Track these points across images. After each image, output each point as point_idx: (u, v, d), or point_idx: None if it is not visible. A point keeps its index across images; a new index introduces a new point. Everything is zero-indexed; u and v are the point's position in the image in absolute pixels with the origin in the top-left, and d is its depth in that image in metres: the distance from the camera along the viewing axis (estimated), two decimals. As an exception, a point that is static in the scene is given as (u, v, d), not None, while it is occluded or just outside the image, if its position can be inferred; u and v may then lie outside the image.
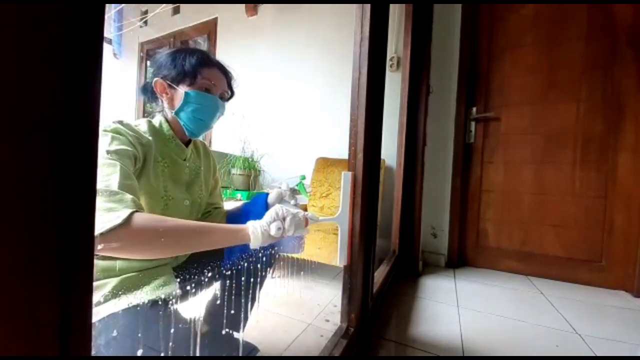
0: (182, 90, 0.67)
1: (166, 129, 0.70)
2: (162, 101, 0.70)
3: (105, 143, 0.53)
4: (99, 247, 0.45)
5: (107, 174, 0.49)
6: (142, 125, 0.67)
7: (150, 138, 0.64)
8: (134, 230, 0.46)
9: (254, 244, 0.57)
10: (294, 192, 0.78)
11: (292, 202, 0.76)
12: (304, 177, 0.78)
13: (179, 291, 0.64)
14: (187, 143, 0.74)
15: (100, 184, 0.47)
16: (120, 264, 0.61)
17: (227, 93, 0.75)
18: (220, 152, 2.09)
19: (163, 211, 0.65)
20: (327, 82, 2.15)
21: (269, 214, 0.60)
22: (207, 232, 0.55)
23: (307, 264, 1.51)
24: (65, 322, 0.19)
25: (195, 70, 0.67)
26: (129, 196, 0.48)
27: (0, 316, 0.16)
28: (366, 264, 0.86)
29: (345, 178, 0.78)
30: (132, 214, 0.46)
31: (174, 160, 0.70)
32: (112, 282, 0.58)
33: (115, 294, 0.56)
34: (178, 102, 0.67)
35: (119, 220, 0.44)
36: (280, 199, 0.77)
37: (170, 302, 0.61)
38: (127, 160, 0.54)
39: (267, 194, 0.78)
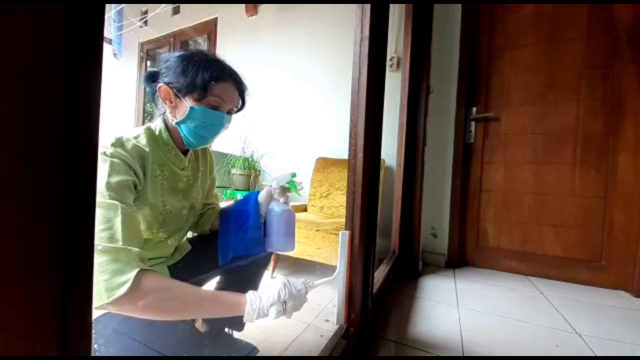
0: (187, 103, 0.63)
1: (166, 138, 0.67)
2: (165, 107, 0.66)
3: (104, 172, 0.51)
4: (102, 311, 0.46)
5: (108, 218, 0.48)
6: (141, 138, 0.63)
7: (148, 150, 0.62)
8: (141, 295, 0.46)
9: (247, 319, 0.56)
10: (285, 190, 0.76)
11: (282, 199, 0.75)
12: (294, 175, 0.76)
13: None
14: (186, 150, 0.72)
15: (101, 232, 0.47)
16: None
17: (237, 107, 0.71)
18: (220, 152, 2.09)
19: (160, 225, 0.64)
20: (327, 82, 2.15)
21: (271, 293, 0.57)
22: (208, 306, 0.55)
23: (307, 264, 1.51)
24: (65, 322, 0.19)
25: (207, 86, 0.62)
26: (134, 251, 0.48)
27: (0, 316, 0.16)
28: (366, 264, 0.85)
29: (342, 238, 0.78)
30: (139, 276, 0.46)
31: (172, 172, 0.67)
32: None
33: None
34: (181, 114, 0.64)
35: (125, 289, 0.44)
36: (270, 198, 0.76)
37: None
38: (128, 193, 0.53)
39: (258, 192, 0.77)
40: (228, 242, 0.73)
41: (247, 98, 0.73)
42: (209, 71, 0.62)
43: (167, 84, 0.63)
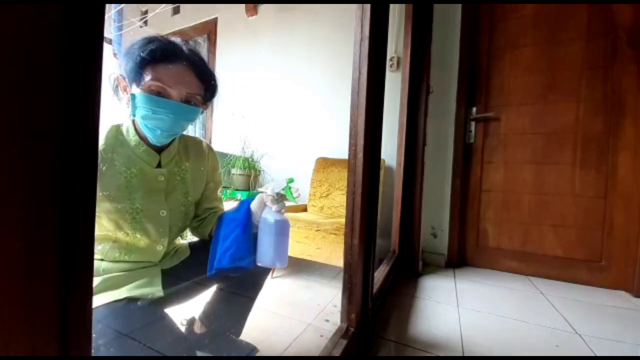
0: (133, 90, 0.58)
1: (132, 134, 0.62)
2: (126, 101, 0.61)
3: None
4: None
5: None
6: (101, 133, 0.61)
7: (103, 146, 0.59)
8: None
9: None
10: (281, 197, 0.69)
11: (274, 207, 0.67)
12: (291, 180, 0.71)
13: (161, 293, 0.63)
14: (162, 147, 0.65)
15: None
16: (105, 265, 0.60)
17: (198, 96, 0.62)
18: (220, 152, 2.08)
19: (131, 225, 0.61)
20: (327, 82, 2.15)
21: None
22: None
23: (307, 264, 1.51)
24: (65, 322, 0.19)
25: (141, 67, 0.56)
26: None
27: (0, 316, 0.16)
28: (366, 264, 0.85)
29: None
30: None
31: (141, 169, 0.62)
32: (95, 280, 0.58)
33: (95, 292, 0.56)
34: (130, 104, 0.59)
35: None
36: (264, 205, 0.69)
37: (151, 301, 0.60)
38: None
39: (251, 200, 0.71)
40: (214, 252, 0.68)
41: (215, 84, 0.66)
42: (144, 51, 0.56)
43: (122, 74, 0.59)
